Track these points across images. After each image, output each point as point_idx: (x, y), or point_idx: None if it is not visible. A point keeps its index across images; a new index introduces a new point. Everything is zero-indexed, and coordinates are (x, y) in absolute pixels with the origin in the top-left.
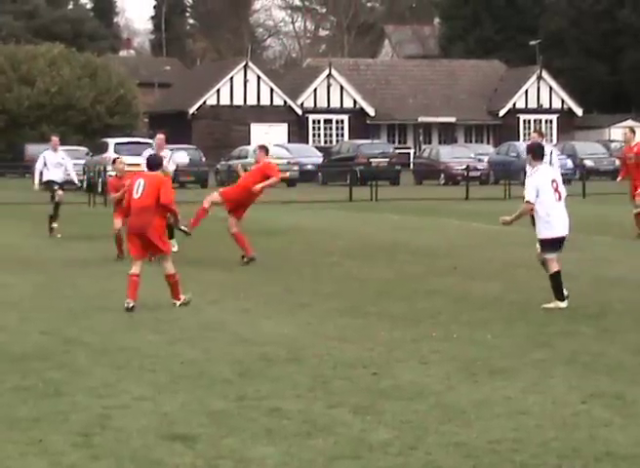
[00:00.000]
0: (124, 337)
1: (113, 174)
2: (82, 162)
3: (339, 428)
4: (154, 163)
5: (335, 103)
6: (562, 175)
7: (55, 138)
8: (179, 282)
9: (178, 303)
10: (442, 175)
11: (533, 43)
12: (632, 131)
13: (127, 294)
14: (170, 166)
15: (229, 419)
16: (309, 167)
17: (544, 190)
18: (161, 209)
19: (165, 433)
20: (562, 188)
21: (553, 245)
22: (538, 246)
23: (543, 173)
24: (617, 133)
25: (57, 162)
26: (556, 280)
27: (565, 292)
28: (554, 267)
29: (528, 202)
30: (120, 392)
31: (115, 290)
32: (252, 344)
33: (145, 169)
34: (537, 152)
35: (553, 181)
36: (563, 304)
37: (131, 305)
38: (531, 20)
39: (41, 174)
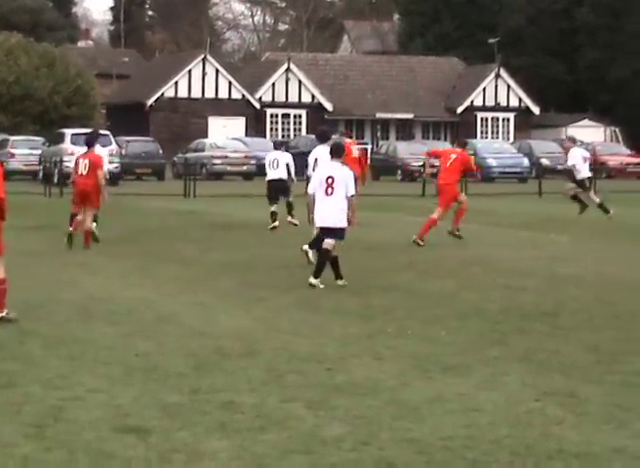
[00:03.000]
0: (79, 329)
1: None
2: (38, 152)
3: (292, 423)
4: None
5: (293, 98)
6: (518, 173)
7: None
8: (7, 291)
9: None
10: (399, 172)
11: (491, 41)
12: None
13: None
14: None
15: (183, 412)
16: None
17: (319, 185)
18: None
19: (118, 425)
20: (338, 185)
21: (323, 230)
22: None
23: (323, 169)
24: (573, 132)
25: None
26: (334, 261)
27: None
28: (329, 249)
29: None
30: (74, 384)
31: (71, 280)
32: (207, 338)
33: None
34: (332, 150)
35: (329, 178)
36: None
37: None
38: (490, 18)
39: None
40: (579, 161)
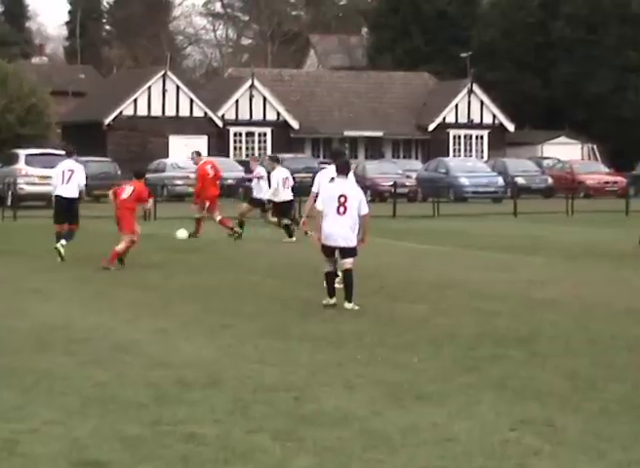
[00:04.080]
0: (33, 358)
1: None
2: None
3: (258, 455)
4: None
5: (257, 115)
6: (492, 192)
7: None
8: None
9: None
10: (368, 192)
11: (464, 55)
12: (199, 154)
13: None
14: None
15: (143, 445)
16: (230, 182)
17: (330, 202)
18: None
19: (76, 459)
20: (351, 204)
21: (326, 249)
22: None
23: (336, 186)
24: (550, 149)
25: None
26: (330, 279)
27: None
28: (326, 268)
29: (318, 209)
30: (28, 416)
31: (23, 307)
32: (168, 367)
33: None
34: (338, 166)
35: (341, 196)
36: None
37: None
38: (462, 32)
39: None
40: (279, 183)
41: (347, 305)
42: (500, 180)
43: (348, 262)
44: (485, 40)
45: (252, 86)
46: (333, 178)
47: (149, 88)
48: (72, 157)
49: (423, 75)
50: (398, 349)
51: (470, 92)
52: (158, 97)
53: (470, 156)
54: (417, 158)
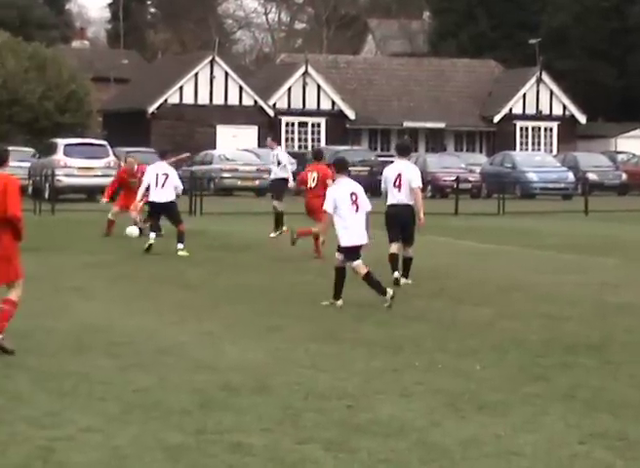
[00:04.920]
0: (71, 361)
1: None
2: (27, 165)
3: (308, 466)
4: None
5: (311, 105)
6: (561, 189)
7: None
8: (12, 316)
9: None
10: (429, 187)
11: (532, 41)
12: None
13: None
14: None
15: (187, 455)
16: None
17: (342, 202)
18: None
19: None
20: (362, 201)
21: (351, 252)
22: (337, 254)
23: (343, 185)
24: (624, 143)
25: None
26: (371, 278)
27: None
28: (363, 270)
29: (325, 211)
30: (65, 422)
31: (63, 307)
32: (214, 371)
33: None
34: (339, 166)
35: (352, 194)
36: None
37: None
38: (531, 17)
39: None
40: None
41: (386, 297)
42: (571, 176)
43: (359, 265)
44: (555, 25)
45: (305, 73)
46: (399, 174)
47: (196, 74)
48: (166, 159)
49: (489, 63)
50: (460, 355)
51: (539, 81)
52: (205, 84)
53: (538, 150)
54: (481, 151)
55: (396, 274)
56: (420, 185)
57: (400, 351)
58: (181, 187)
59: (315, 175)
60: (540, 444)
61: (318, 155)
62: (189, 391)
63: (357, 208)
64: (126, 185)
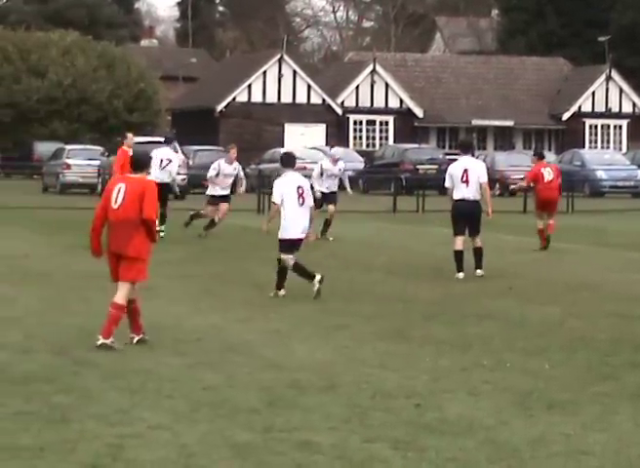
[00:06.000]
0: (139, 359)
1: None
2: (97, 163)
3: (377, 465)
4: (139, 162)
5: (379, 103)
6: (631, 187)
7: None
8: (120, 319)
9: (101, 341)
10: (497, 185)
11: (602, 39)
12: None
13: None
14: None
15: (254, 453)
16: (350, 173)
17: (289, 195)
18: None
19: (183, 466)
20: (307, 195)
21: (288, 245)
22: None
23: (290, 179)
24: None
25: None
26: (299, 268)
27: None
28: (290, 262)
29: (274, 203)
30: (134, 419)
31: None
32: (281, 370)
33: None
34: (285, 160)
35: (299, 188)
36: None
37: (135, 340)
38: (600, 14)
39: None
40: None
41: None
42: None
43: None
44: (625, 23)
45: (373, 71)
46: (465, 170)
47: (264, 73)
48: (171, 145)
49: (558, 60)
50: (528, 354)
51: (608, 78)
52: (274, 82)
53: (608, 148)
54: (550, 149)
55: (461, 275)
56: (487, 181)
57: (468, 350)
58: (175, 174)
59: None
60: (610, 443)
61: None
62: (257, 389)
63: (303, 202)
64: None
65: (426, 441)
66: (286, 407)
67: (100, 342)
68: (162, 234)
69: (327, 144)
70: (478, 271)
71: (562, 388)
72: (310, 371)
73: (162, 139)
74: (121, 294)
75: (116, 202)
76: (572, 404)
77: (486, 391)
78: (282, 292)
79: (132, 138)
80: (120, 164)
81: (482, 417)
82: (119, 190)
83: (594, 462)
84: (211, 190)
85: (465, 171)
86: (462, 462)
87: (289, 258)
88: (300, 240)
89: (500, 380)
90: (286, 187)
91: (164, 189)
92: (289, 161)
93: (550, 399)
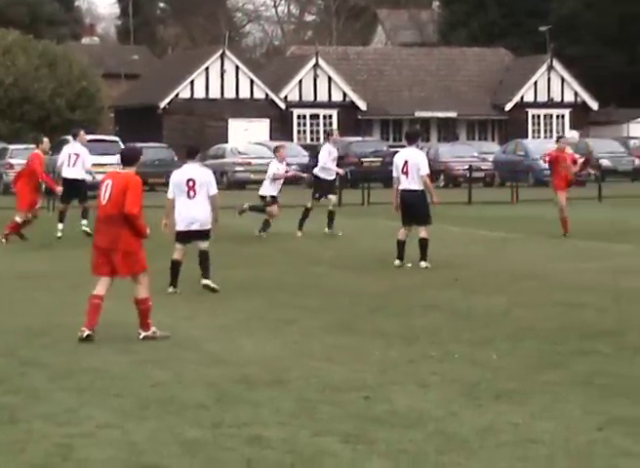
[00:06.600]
0: (87, 358)
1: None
2: None
3: (326, 459)
4: (127, 157)
5: (322, 97)
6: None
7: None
8: (150, 310)
9: (143, 335)
10: (441, 177)
11: (542, 29)
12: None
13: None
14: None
15: (204, 449)
16: (294, 167)
17: (179, 188)
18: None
19: (133, 465)
20: (199, 187)
21: (182, 237)
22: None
23: (182, 171)
24: (636, 128)
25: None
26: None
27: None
28: (176, 256)
29: (167, 198)
30: (83, 419)
31: (78, 304)
32: (230, 365)
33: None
34: (186, 153)
35: (189, 180)
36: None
37: (85, 334)
38: (540, 4)
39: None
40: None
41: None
42: None
43: (205, 246)
44: (565, 12)
45: (316, 65)
46: (406, 162)
47: (207, 69)
48: (76, 139)
49: (500, 51)
50: (475, 345)
51: (550, 68)
52: (216, 78)
53: (551, 137)
54: (493, 140)
55: (397, 262)
56: (428, 172)
57: (416, 342)
58: (89, 167)
59: None
60: (559, 431)
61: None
62: (206, 385)
63: (194, 194)
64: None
65: (376, 433)
66: (235, 402)
67: (142, 335)
68: (60, 234)
69: (271, 139)
70: (422, 263)
71: (510, 378)
72: (258, 366)
73: (101, 137)
74: (138, 289)
75: (104, 198)
76: (520, 393)
77: (434, 382)
78: (171, 289)
79: (47, 143)
80: (39, 169)
81: (431, 409)
82: (106, 186)
83: (543, 451)
84: (269, 190)
85: (406, 162)
86: (412, 454)
87: (177, 249)
88: (196, 231)
89: (448, 371)
90: (176, 181)
91: (73, 185)
92: (189, 153)
93: (498, 389)
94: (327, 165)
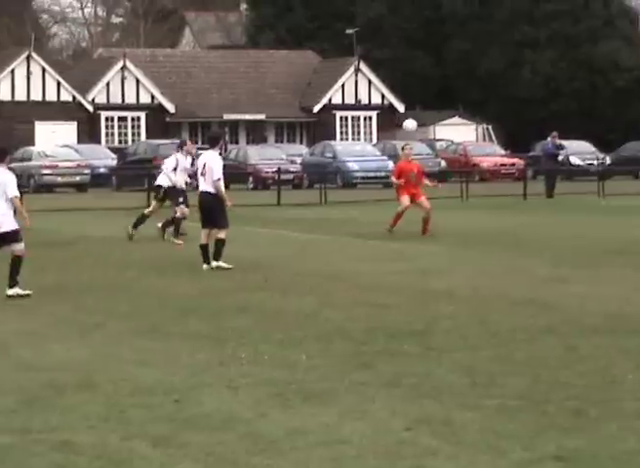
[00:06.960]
0: None
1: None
2: None
3: (137, 463)
4: None
5: (130, 99)
6: (382, 177)
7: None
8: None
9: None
10: (250, 179)
11: (349, 32)
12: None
13: None
14: None
15: (13, 455)
16: (102, 170)
17: None
18: None
19: None
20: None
21: None
22: None
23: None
24: (443, 131)
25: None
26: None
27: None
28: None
29: (15, 197)
30: None
31: None
32: (38, 370)
33: None
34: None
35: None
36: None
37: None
38: (347, 7)
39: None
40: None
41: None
42: (391, 165)
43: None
44: (371, 15)
45: (124, 67)
46: (204, 164)
47: (12, 71)
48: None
49: (307, 53)
50: (285, 346)
51: (357, 71)
52: (22, 80)
53: (358, 139)
54: (301, 142)
55: (205, 267)
56: (220, 177)
57: (226, 343)
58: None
59: None
60: (367, 431)
61: None
62: (14, 390)
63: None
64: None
65: (187, 436)
66: (44, 407)
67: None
68: None
69: (79, 142)
70: (213, 263)
71: (319, 378)
72: (67, 371)
73: None
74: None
75: None
76: (329, 394)
77: (244, 384)
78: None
79: None
80: None
81: (241, 411)
82: None
83: (352, 451)
84: (166, 181)
85: (204, 164)
86: (223, 456)
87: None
88: (6, 233)
89: (258, 373)
90: None
91: None
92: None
93: (308, 389)
94: (169, 173)
